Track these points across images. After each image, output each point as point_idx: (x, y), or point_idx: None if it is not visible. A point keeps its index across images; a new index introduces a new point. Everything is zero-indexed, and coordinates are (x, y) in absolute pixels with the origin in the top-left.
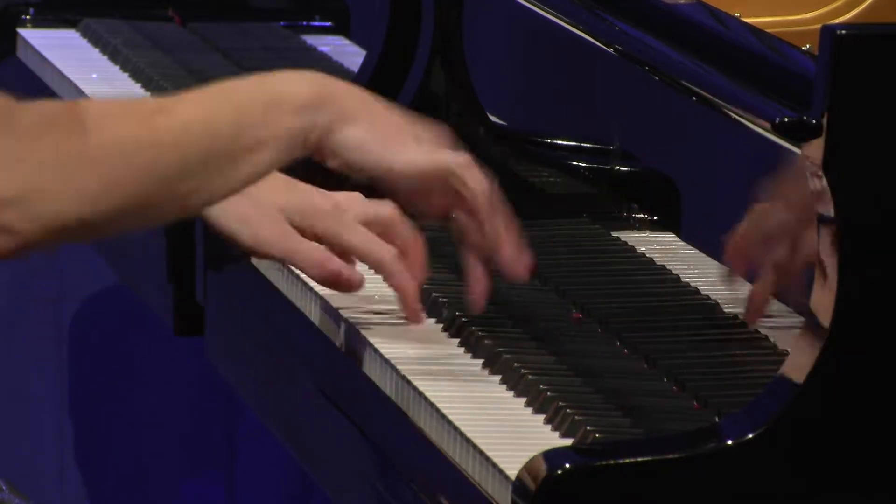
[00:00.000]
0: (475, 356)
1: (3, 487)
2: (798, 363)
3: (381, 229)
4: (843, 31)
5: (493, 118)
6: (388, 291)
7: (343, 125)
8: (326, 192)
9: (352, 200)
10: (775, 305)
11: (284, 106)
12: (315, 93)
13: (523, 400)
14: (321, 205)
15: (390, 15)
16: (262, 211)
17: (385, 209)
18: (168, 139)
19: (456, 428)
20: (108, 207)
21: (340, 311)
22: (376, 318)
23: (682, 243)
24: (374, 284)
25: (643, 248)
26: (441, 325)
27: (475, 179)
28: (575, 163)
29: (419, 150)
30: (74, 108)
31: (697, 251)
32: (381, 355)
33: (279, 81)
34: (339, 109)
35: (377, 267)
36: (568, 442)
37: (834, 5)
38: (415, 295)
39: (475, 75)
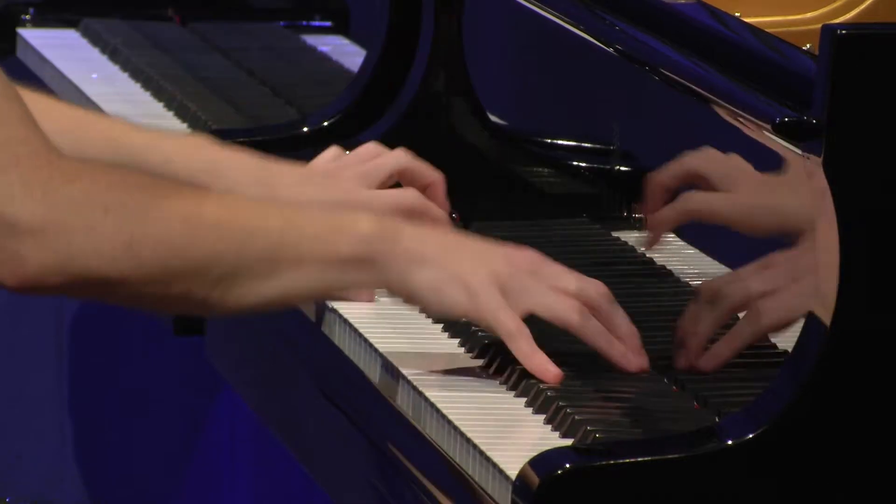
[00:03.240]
0: (475, 356)
1: None
2: (798, 363)
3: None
4: (843, 31)
5: (493, 118)
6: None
7: (413, 267)
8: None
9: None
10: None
11: (341, 231)
12: (381, 227)
13: (523, 400)
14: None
15: (390, 15)
16: None
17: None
18: (209, 223)
19: (456, 428)
20: (126, 268)
21: (339, 311)
22: (376, 318)
23: (682, 243)
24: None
25: (643, 248)
26: (441, 326)
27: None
28: (575, 163)
29: (480, 301)
30: (118, 171)
31: (697, 251)
32: (381, 355)
33: (343, 213)
34: (407, 248)
35: None
36: (568, 442)
37: (834, 5)
38: None
39: (475, 75)
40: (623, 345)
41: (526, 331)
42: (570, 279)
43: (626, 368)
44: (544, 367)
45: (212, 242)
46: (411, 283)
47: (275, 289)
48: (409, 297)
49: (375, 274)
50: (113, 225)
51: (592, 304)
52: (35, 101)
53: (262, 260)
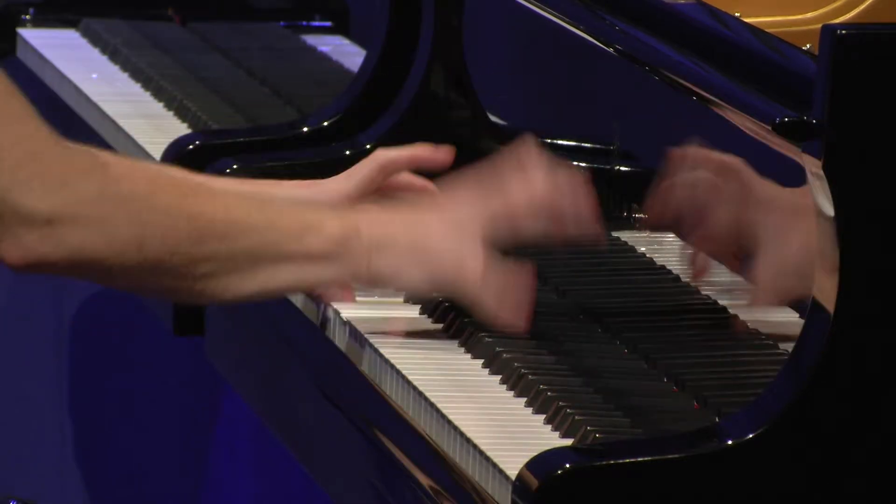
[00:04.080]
0: (475, 356)
1: None
2: (798, 363)
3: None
4: (843, 31)
5: (493, 118)
6: (389, 292)
7: (373, 256)
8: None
9: None
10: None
11: (312, 230)
12: (345, 225)
13: (523, 400)
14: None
15: (390, 15)
16: None
17: None
18: (208, 221)
19: (456, 428)
20: (130, 260)
21: (340, 312)
22: (376, 319)
23: (682, 243)
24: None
25: (643, 248)
26: (441, 326)
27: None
28: (575, 163)
29: (437, 276)
30: (124, 163)
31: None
32: (381, 355)
33: (314, 209)
34: (365, 240)
35: None
36: (568, 442)
37: (834, 5)
38: None
39: (475, 75)
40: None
41: (485, 292)
42: (524, 208)
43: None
44: (512, 321)
45: (209, 240)
46: (374, 269)
47: (254, 284)
48: (374, 283)
49: (343, 267)
50: (124, 219)
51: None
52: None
53: (246, 258)
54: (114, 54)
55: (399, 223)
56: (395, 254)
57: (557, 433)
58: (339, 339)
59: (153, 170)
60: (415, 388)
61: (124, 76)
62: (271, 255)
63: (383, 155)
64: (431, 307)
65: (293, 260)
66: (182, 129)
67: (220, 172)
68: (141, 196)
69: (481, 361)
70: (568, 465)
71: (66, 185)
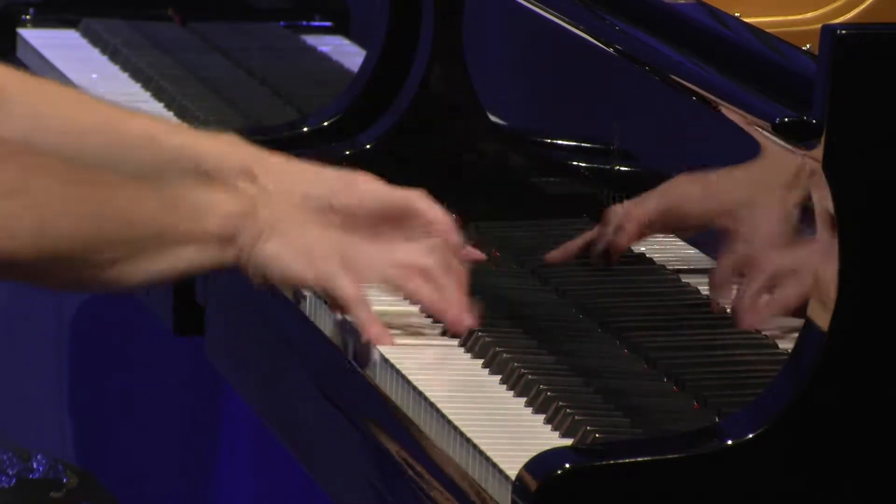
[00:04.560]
0: (475, 356)
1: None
2: (798, 364)
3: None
4: (843, 31)
5: (493, 118)
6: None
7: (260, 240)
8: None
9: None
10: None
11: (210, 210)
12: (241, 204)
13: (523, 400)
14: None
15: (390, 15)
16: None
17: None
18: (108, 210)
19: (456, 428)
20: (29, 250)
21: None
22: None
23: (682, 243)
24: (376, 286)
25: (643, 248)
26: (441, 326)
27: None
28: (575, 163)
29: (320, 269)
30: (17, 149)
31: (697, 251)
32: (381, 355)
33: (209, 189)
34: (259, 223)
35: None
36: (568, 442)
37: (834, 5)
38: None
39: (475, 75)
40: (452, 308)
41: (365, 299)
42: (406, 250)
43: (457, 329)
44: (380, 335)
45: (108, 226)
46: (259, 254)
47: (160, 266)
48: (256, 270)
49: (236, 249)
50: (23, 208)
51: (426, 273)
52: (66, 95)
53: (149, 243)
54: (114, 54)
55: (296, 214)
56: (283, 242)
57: (557, 433)
58: (339, 339)
59: (59, 162)
60: (415, 388)
61: (124, 76)
62: (173, 239)
63: (423, 203)
64: None
65: (195, 242)
66: None
67: None
68: (42, 189)
69: (481, 361)
70: (568, 465)
71: None
